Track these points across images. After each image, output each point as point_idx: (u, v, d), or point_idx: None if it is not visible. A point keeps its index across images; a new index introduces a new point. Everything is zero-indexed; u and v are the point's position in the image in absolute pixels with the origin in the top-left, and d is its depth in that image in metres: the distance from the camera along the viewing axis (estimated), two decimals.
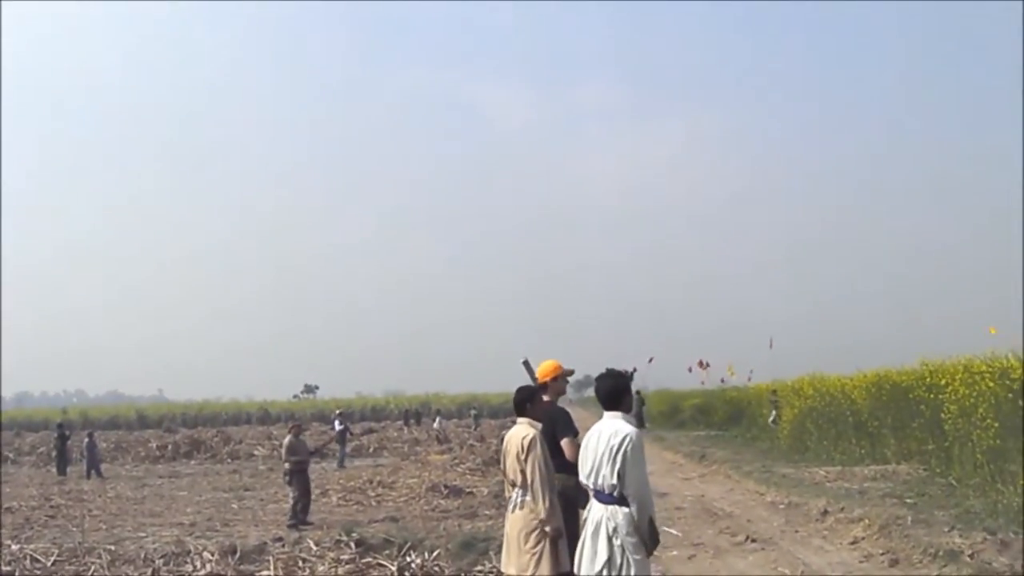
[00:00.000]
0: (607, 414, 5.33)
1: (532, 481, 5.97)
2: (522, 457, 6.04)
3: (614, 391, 5.37)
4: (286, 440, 15.90)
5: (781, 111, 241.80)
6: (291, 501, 14.88)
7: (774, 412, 31.92)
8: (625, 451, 5.03)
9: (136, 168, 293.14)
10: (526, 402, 6.39)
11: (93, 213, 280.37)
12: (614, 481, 5.04)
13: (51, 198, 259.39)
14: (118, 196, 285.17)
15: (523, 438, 6.10)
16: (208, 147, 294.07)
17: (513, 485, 6.23)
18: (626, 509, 5.05)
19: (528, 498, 6.02)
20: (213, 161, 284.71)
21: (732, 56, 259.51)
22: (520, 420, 6.34)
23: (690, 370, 44.04)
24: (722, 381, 42.15)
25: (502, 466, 6.48)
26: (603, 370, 5.58)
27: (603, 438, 5.17)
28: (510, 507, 6.24)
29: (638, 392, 37.31)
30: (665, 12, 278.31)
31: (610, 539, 5.02)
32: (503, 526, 6.44)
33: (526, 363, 7.46)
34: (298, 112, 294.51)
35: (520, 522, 6.04)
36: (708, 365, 42.84)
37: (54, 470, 28.86)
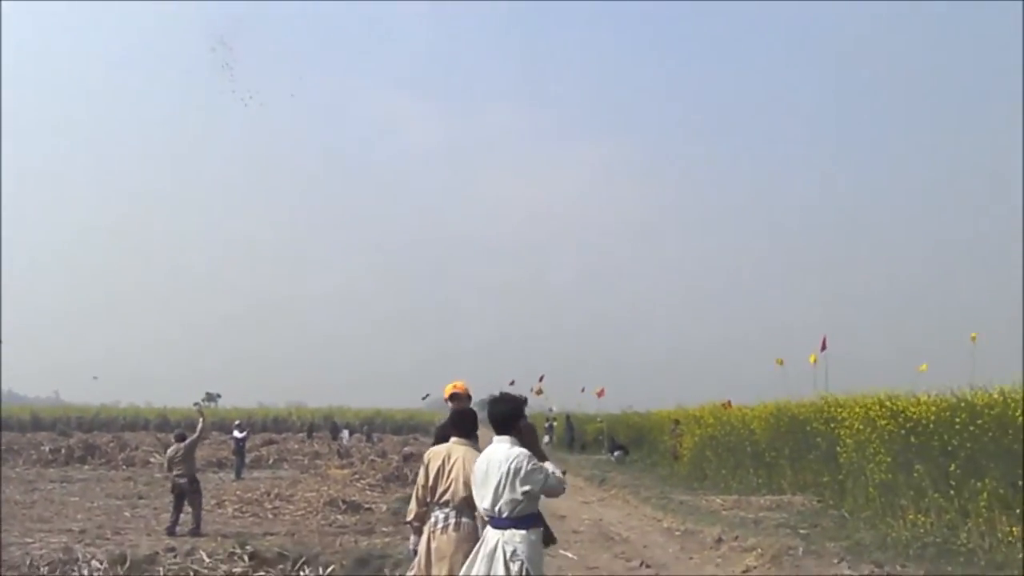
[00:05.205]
0: (496, 438, 5.25)
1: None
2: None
3: (508, 415, 5.29)
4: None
5: (694, 142, 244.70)
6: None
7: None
8: (526, 468, 4.99)
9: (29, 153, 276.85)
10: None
11: None
12: (519, 496, 4.95)
13: None
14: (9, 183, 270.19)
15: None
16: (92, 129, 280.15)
17: (446, 504, 5.82)
18: (523, 531, 4.96)
19: (465, 519, 5.71)
20: (106, 147, 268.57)
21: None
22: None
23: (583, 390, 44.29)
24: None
25: (429, 483, 5.90)
26: (495, 393, 5.46)
27: (496, 465, 5.08)
28: (439, 525, 5.83)
29: (568, 416, 37.30)
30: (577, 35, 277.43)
31: (507, 563, 4.92)
32: (400, 543, 6.16)
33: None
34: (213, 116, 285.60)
35: (467, 544, 5.54)
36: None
37: None
